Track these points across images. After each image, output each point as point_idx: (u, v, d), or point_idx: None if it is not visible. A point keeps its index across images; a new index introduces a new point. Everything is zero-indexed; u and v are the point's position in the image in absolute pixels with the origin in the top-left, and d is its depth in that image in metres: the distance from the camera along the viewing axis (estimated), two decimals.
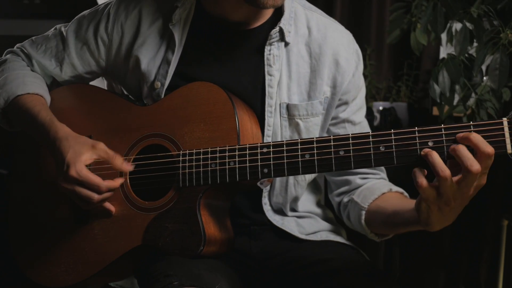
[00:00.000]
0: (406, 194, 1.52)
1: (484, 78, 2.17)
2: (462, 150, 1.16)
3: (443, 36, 2.32)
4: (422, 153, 1.20)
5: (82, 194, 1.39)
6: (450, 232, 2.88)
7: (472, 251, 2.82)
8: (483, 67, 2.12)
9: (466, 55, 2.14)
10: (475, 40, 2.11)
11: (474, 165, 1.15)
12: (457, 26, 2.16)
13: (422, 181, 1.18)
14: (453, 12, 2.07)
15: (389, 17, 2.65)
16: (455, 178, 1.18)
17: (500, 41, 1.93)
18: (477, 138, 1.16)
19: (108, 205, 1.44)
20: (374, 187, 1.53)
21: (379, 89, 3.22)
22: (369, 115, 2.98)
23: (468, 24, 2.09)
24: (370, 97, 3.19)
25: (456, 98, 2.24)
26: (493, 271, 2.72)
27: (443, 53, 2.95)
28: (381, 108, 3.03)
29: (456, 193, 1.19)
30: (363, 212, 1.49)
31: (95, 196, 1.39)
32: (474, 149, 1.16)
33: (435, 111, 2.74)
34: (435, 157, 1.18)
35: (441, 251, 2.89)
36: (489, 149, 1.15)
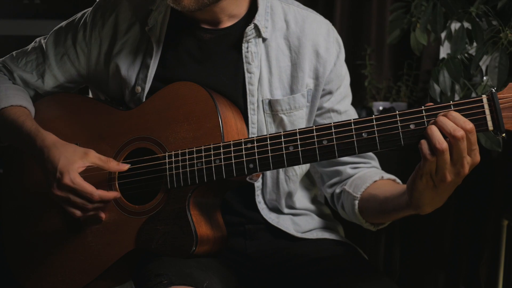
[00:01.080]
0: (398, 180, 1.52)
1: (484, 78, 2.17)
2: (442, 119, 1.18)
3: (443, 36, 2.32)
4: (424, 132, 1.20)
5: (76, 202, 1.40)
6: (450, 232, 2.88)
7: (472, 251, 2.82)
8: (484, 67, 2.12)
9: (466, 55, 2.14)
10: (475, 40, 2.11)
11: (456, 130, 1.16)
12: (457, 26, 2.16)
13: (430, 153, 1.19)
14: (452, 11, 2.07)
15: (389, 17, 2.65)
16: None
17: (500, 40, 1.94)
18: (455, 116, 1.17)
19: (99, 213, 1.45)
20: (365, 176, 1.53)
21: (379, 89, 3.22)
22: (369, 115, 2.97)
23: (467, 24, 2.09)
24: (370, 97, 3.19)
25: (456, 98, 2.24)
26: (493, 271, 2.71)
27: (443, 53, 2.95)
28: (381, 108, 3.03)
29: (450, 169, 1.20)
30: (356, 202, 1.49)
31: (88, 205, 1.40)
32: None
33: None
34: (434, 130, 1.18)
35: (441, 251, 2.88)
36: (468, 125, 1.16)
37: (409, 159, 2.31)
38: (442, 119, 1.18)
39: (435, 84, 2.15)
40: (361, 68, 3.19)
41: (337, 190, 1.58)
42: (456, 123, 1.17)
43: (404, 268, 2.94)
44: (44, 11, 2.83)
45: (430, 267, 2.90)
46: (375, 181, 1.50)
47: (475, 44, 2.15)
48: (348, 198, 1.52)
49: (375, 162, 1.60)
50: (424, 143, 1.19)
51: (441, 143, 1.17)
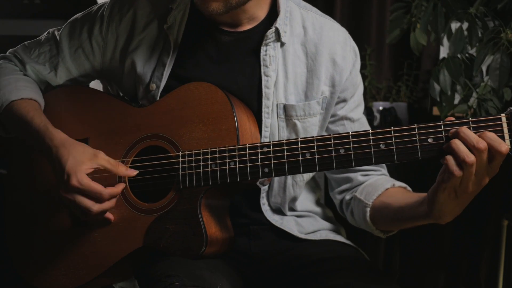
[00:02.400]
0: (409, 188, 1.52)
1: (485, 78, 2.17)
2: (453, 144, 1.18)
3: (443, 36, 2.32)
4: (444, 146, 1.20)
5: (82, 204, 1.37)
6: (450, 232, 2.88)
7: (472, 251, 2.82)
8: (484, 67, 2.12)
9: (467, 54, 2.14)
10: (469, 42, 2.11)
11: (480, 142, 1.16)
12: (457, 26, 2.17)
13: (457, 169, 1.19)
14: (452, 11, 2.07)
15: (389, 17, 2.65)
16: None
17: (501, 41, 1.94)
18: (467, 134, 1.17)
19: (107, 214, 1.43)
20: (376, 183, 1.52)
21: (379, 89, 3.22)
22: (369, 115, 2.98)
23: (466, 25, 2.09)
24: (370, 97, 3.20)
25: (457, 98, 2.24)
26: (493, 271, 2.71)
27: (443, 53, 2.95)
28: (381, 108, 3.03)
29: (474, 180, 1.20)
30: (368, 209, 1.49)
31: (95, 207, 1.38)
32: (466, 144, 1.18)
33: (435, 111, 2.74)
34: (459, 144, 1.18)
35: (441, 251, 2.88)
36: (481, 145, 1.17)
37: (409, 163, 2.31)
38: (464, 130, 1.18)
39: (436, 84, 2.16)
40: (361, 68, 3.18)
41: (347, 197, 1.58)
42: (468, 142, 1.17)
43: (404, 268, 2.94)
44: (44, 11, 2.83)
45: (430, 267, 2.90)
46: (387, 189, 1.50)
47: (476, 44, 2.15)
48: (359, 205, 1.52)
49: (385, 170, 1.60)
50: (450, 159, 1.19)
51: (469, 156, 1.17)
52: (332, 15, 3.23)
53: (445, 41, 2.39)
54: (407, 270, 2.94)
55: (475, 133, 1.19)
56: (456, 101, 2.23)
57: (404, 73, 3.17)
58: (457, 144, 1.18)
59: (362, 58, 3.15)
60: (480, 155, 1.17)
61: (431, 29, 2.20)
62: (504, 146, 1.17)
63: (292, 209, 1.58)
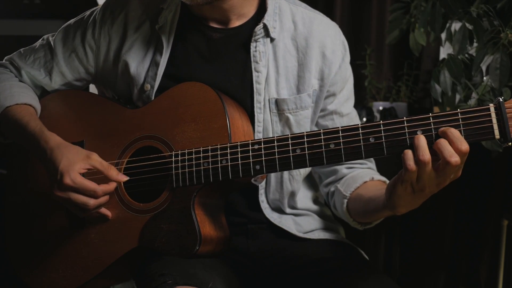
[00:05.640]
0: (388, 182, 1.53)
1: (485, 78, 2.17)
2: (443, 142, 1.19)
3: (443, 36, 2.33)
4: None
5: (78, 201, 1.39)
6: (450, 232, 2.88)
7: (472, 251, 2.82)
8: (484, 67, 2.12)
9: (467, 55, 2.14)
10: (475, 40, 2.11)
11: (453, 156, 1.18)
12: (457, 26, 2.17)
13: (411, 164, 1.20)
14: (452, 11, 2.07)
15: (388, 18, 2.66)
16: (435, 167, 1.21)
17: (500, 41, 1.94)
18: (454, 134, 1.19)
19: (104, 210, 1.45)
20: (357, 176, 1.55)
21: (379, 89, 3.22)
22: (369, 115, 2.98)
23: (467, 24, 2.09)
24: (370, 97, 3.20)
25: (457, 98, 2.24)
26: (493, 271, 2.71)
27: (443, 53, 2.95)
28: (381, 108, 3.03)
29: (432, 181, 1.22)
30: (345, 201, 1.52)
31: (91, 202, 1.40)
32: (451, 144, 1.19)
33: (436, 111, 2.74)
34: (421, 141, 1.20)
35: (441, 251, 2.88)
36: (463, 146, 1.18)
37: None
38: (441, 142, 1.19)
39: (436, 85, 2.16)
40: (361, 68, 3.19)
41: (332, 189, 1.60)
42: (453, 143, 1.18)
43: (404, 268, 2.94)
44: (44, 11, 2.84)
45: (430, 267, 2.90)
46: (365, 182, 1.52)
47: (475, 44, 2.15)
48: (338, 197, 1.55)
49: (371, 164, 1.62)
50: (408, 152, 1.21)
51: (424, 155, 1.19)
52: (332, 15, 3.23)
53: (445, 41, 2.39)
54: (407, 270, 2.94)
55: (437, 128, 1.20)
56: (456, 102, 2.23)
57: (404, 73, 3.17)
58: (420, 140, 1.19)
59: (362, 58, 3.17)
60: (449, 166, 1.19)
61: (430, 29, 2.20)
62: (464, 146, 1.18)
63: (292, 206, 1.59)
